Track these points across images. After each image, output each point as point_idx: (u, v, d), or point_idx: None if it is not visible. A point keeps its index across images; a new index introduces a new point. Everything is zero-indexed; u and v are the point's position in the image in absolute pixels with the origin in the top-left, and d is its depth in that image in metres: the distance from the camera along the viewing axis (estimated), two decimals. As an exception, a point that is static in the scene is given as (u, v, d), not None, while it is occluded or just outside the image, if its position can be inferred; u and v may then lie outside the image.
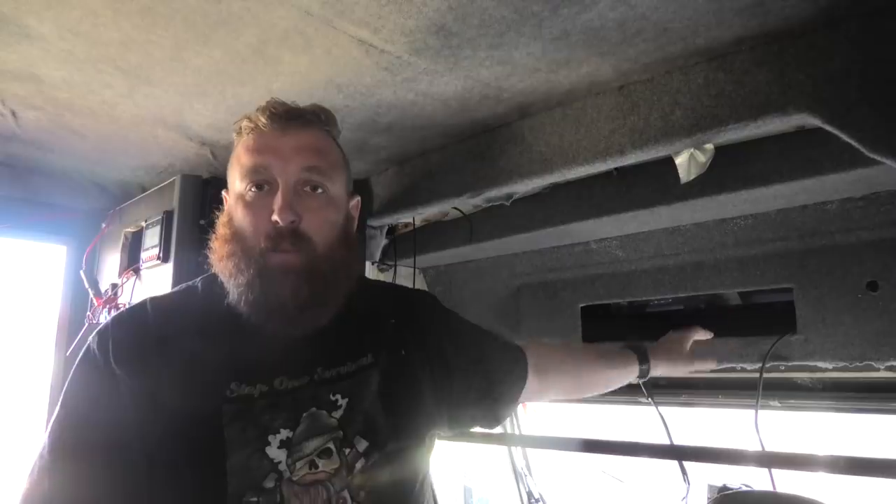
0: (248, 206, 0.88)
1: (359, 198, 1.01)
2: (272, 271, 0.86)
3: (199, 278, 0.99)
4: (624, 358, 1.32)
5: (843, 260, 1.31)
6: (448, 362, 1.03)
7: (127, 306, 1.50)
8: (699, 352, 1.40)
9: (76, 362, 0.88)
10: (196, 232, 1.44)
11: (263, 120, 0.89)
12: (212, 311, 0.91)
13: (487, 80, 1.13)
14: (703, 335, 1.43)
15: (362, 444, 0.88)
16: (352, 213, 0.99)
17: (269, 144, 0.89)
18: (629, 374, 1.32)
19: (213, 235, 0.93)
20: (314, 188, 0.89)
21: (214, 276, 0.96)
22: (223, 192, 0.98)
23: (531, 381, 1.16)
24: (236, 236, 0.89)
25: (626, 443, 1.58)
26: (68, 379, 0.88)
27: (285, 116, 0.90)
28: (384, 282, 1.20)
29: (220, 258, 0.90)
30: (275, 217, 0.85)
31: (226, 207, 0.96)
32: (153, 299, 0.95)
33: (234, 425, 0.83)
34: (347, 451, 0.87)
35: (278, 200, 0.86)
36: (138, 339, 0.87)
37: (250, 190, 0.88)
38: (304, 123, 0.91)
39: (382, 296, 1.08)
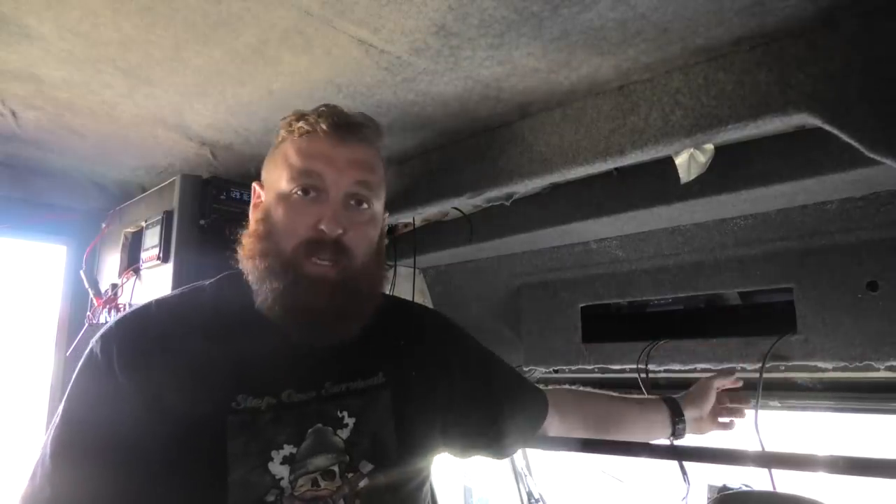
0: (292, 208, 0.87)
1: (387, 214, 1.01)
2: (309, 280, 0.85)
3: (207, 281, 0.97)
4: (657, 409, 1.30)
5: (843, 260, 1.31)
6: (453, 385, 1.02)
7: (129, 307, 1.50)
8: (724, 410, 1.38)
9: (79, 366, 0.86)
10: (196, 232, 1.44)
11: (324, 126, 0.88)
12: (221, 317, 0.90)
13: (487, 80, 1.13)
14: (726, 381, 1.38)
15: (367, 467, 0.87)
16: (384, 231, 0.99)
17: (324, 152, 0.88)
18: (661, 427, 1.29)
19: (245, 231, 0.92)
20: (360, 203, 0.90)
21: (225, 280, 0.95)
22: (254, 185, 0.97)
23: (552, 419, 1.17)
24: (272, 236, 0.88)
25: (626, 443, 1.57)
26: (71, 383, 0.86)
27: (345, 127, 0.90)
28: (395, 297, 1.19)
29: (251, 255, 0.89)
30: (323, 226, 0.85)
31: (258, 202, 0.95)
32: (159, 301, 0.93)
33: (237, 439, 0.81)
34: (351, 475, 0.86)
35: (328, 210, 0.86)
36: (143, 344, 0.85)
37: (296, 193, 0.88)
38: (361, 137, 0.92)
39: (394, 312, 1.05)
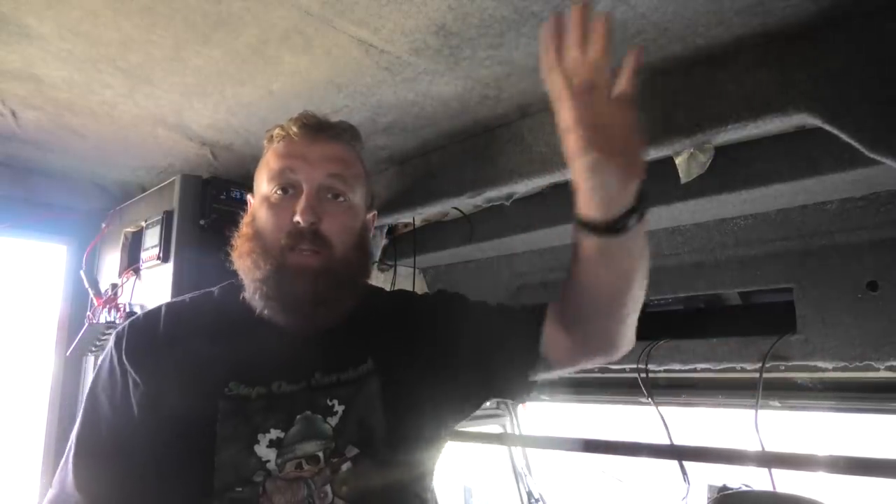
0: (272, 206, 0.93)
1: (375, 212, 1.06)
2: (290, 269, 0.90)
3: (217, 286, 1.04)
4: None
5: (843, 260, 1.31)
6: (436, 349, 1.00)
7: (128, 307, 1.51)
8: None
9: (98, 363, 0.96)
10: (196, 232, 1.45)
11: (295, 129, 0.95)
12: (222, 315, 0.97)
13: (487, 80, 1.13)
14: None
15: (352, 452, 0.89)
16: (368, 225, 1.03)
17: (297, 151, 0.94)
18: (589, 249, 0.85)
19: (236, 234, 0.98)
20: (335, 195, 0.94)
21: (229, 285, 1.02)
22: (248, 197, 1.04)
23: (557, 335, 0.96)
24: (258, 234, 0.94)
25: (626, 443, 1.58)
26: (92, 378, 0.96)
27: (315, 127, 0.96)
28: (384, 289, 1.21)
29: (240, 255, 0.95)
30: (297, 217, 0.89)
31: (250, 209, 1.01)
32: (169, 304, 1.01)
33: (226, 422, 0.86)
34: (335, 459, 0.88)
35: (301, 202, 0.91)
36: (148, 339, 0.93)
37: (276, 192, 0.93)
38: (332, 136, 0.97)
39: (383, 303, 1.09)
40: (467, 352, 1.02)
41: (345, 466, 0.88)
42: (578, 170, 0.77)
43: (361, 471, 0.89)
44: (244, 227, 0.98)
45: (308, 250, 0.90)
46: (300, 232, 0.90)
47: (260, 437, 0.87)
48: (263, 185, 0.96)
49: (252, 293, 0.92)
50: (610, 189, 0.76)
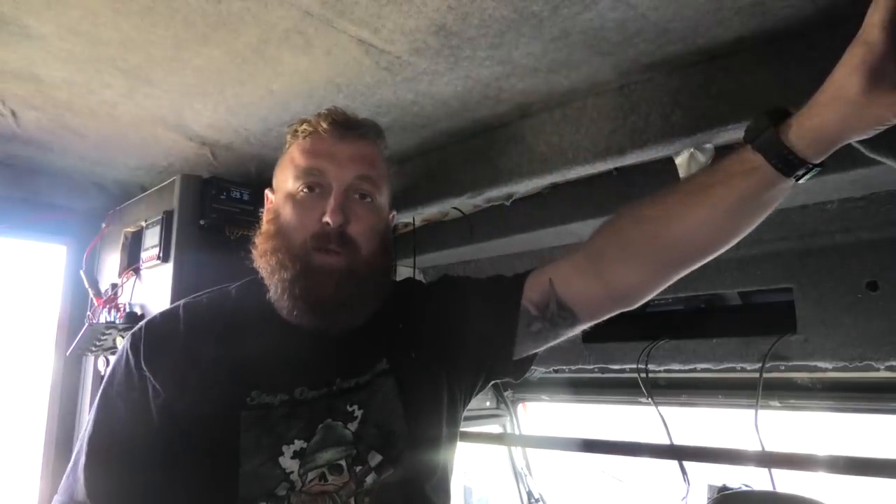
0: (298, 204, 0.91)
1: (395, 212, 1.05)
2: (316, 269, 0.89)
3: (234, 283, 1.02)
4: (730, 168, 0.81)
5: (843, 260, 1.31)
6: (440, 339, 0.99)
7: (128, 307, 1.51)
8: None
9: (111, 364, 0.94)
10: (196, 232, 1.45)
11: (324, 125, 0.93)
12: (240, 318, 0.95)
13: (487, 80, 1.13)
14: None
15: (375, 459, 0.88)
16: (390, 225, 1.02)
17: (326, 149, 0.93)
18: (757, 181, 0.78)
19: (257, 231, 0.97)
20: (363, 196, 0.93)
21: (249, 283, 0.99)
22: (266, 192, 1.02)
23: (584, 282, 0.94)
24: (282, 232, 0.92)
25: (626, 443, 1.58)
26: (104, 379, 0.93)
27: (345, 125, 0.95)
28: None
29: (262, 253, 0.93)
30: (326, 218, 0.88)
31: (270, 206, 0.99)
32: (186, 304, 0.98)
33: (250, 433, 0.85)
34: (359, 468, 0.87)
35: (331, 203, 0.89)
36: (168, 342, 0.91)
37: (302, 190, 0.92)
38: (360, 134, 0.96)
39: (393, 298, 1.04)
40: (459, 337, 1.00)
41: (369, 478, 0.86)
42: (842, 94, 0.71)
43: (385, 482, 0.87)
44: (266, 224, 0.96)
45: (334, 251, 0.89)
46: (327, 233, 0.89)
47: (284, 448, 0.85)
48: (289, 181, 0.93)
49: (280, 294, 0.90)
50: (835, 131, 0.72)
